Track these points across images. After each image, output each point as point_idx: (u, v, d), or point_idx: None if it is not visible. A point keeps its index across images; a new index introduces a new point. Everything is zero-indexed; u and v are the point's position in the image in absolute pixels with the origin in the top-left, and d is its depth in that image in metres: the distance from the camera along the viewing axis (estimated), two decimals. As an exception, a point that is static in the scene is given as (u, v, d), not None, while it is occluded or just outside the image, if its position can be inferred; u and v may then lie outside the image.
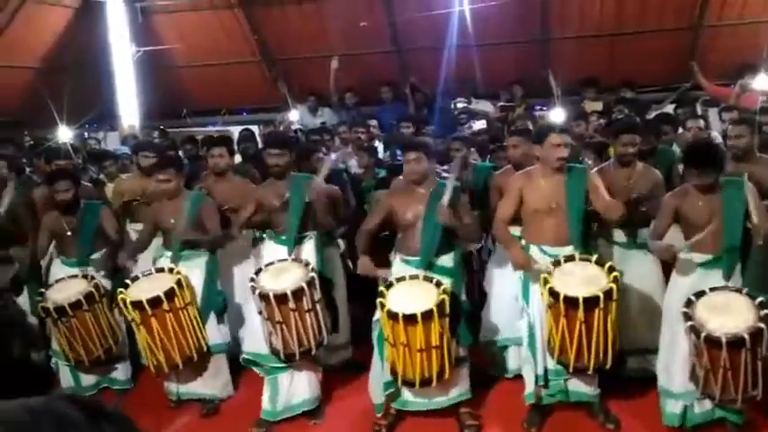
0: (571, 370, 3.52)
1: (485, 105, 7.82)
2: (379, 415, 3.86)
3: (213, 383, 4.25)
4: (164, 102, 9.11)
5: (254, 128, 7.05)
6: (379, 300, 3.55)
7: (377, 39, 8.19)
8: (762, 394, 3.16)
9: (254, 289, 3.72)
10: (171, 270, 4.01)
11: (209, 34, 8.59)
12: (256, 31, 8.53)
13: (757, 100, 5.75)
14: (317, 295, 3.78)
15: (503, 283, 4.22)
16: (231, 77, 8.91)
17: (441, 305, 3.44)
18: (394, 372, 3.61)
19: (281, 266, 3.86)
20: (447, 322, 3.49)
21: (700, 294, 3.28)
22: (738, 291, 3.27)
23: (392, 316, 3.45)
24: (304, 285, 3.66)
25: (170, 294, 3.83)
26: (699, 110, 6.59)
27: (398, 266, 3.85)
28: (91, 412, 0.84)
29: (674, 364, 3.51)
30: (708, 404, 3.44)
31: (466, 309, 3.84)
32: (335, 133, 6.18)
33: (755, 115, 4.55)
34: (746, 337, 3.01)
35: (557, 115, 6.39)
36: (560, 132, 3.68)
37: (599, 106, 6.96)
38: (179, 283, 3.89)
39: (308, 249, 4.06)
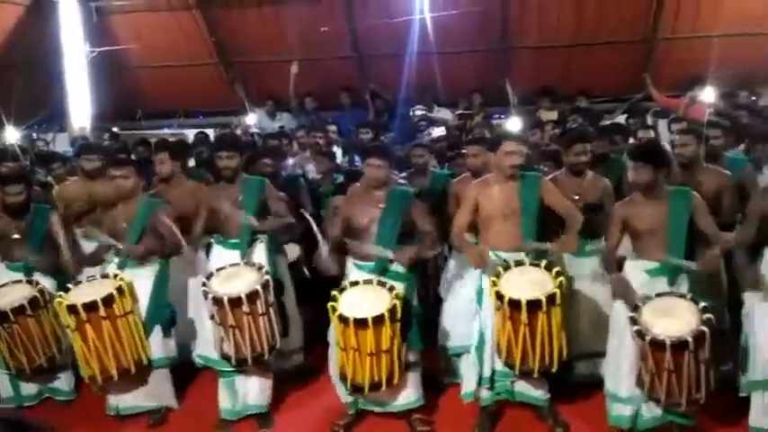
0: (517, 372, 3.57)
1: (444, 113, 7.88)
2: (350, 412, 3.89)
3: (154, 396, 4.11)
4: (118, 103, 8.94)
5: (211, 131, 6.94)
6: (330, 304, 3.54)
7: (337, 44, 8.20)
8: (705, 398, 3.24)
9: (206, 293, 3.65)
10: (115, 276, 3.89)
11: (165, 35, 8.47)
12: (214, 32, 8.45)
13: (705, 112, 5.92)
14: (272, 299, 3.75)
15: (458, 289, 4.24)
16: (188, 79, 8.79)
17: (392, 310, 3.45)
18: (343, 376, 3.61)
19: (232, 271, 3.81)
20: (398, 327, 3.50)
21: (646, 299, 3.36)
22: (683, 296, 3.36)
23: (343, 320, 3.45)
24: (259, 288, 3.62)
25: (108, 300, 3.69)
26: (649, 120, 6.76)
27: (352, 271, 3.85)
28: (14, 427, 0.79)
29: (621, 369, 3.56)
30: (657, 409, 3.49)
31: (418, 314, 3.85)
32: (294, 138, 6.14)
33: (703, 127, 4.68)
34: (690, 340, 3.09)
35: (513, 124, 6.47)
36: (513, 140, 3.73)
37: (554, 115, 7.09)
38: (120, 289, 3.76)
39: (260, 253, 4.02)
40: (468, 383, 3.80)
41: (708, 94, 6.05)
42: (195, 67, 8.81)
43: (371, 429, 3.92)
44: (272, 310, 3.74)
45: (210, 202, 4.13)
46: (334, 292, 3.60)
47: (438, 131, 6.50)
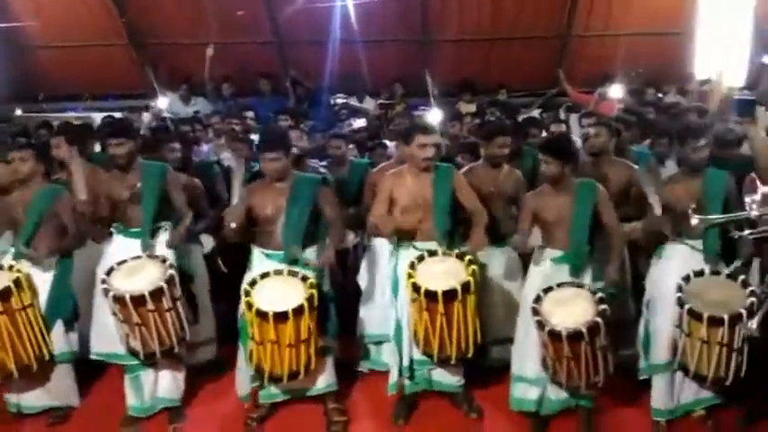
0: (435, 360, 3.62)
1: (368, 103, 7.85)
2: (247, 405, 3.84)
3: (56, 394, 3.91)
4: (17, 84, 8.35)
5: (119, 115, 6.60)
6: (245, 299, 3.45)
7: (256, 29, 8.00)
8: (604, 381, 3.40)
9: (106, 291, 3.47)
10: (11, 268, 3.64)
11: (70, 13, 7.98)
12: (124, 12, 8.03)
13: (614, 108, 6.17)
14: (178, 292, 3.60)
15: (376, 279, 4.24)
16: (95, 60, 8.33)
17: (310, 299, 3.43)
18: (260, 370, 3.55)
19: (135, 264, 3.63)
20: (315, 315, 3.49)
21: (547, 290, 3.49)
22: (581, 286, 3.51)
23: (261, 315, 3.38)
24: (163, 285, 3.47)
25: (5, 294, 3.48)
26: (562, 115, 6.98)
27: (259, 261, 3.77)
28: None
29: (528, 352, 3.68)
30: (562, 393, 3.63)
31: (331, 299, 3.85)
32: (208, 124, 5.92)
33: (613, 121, 4.86)
34: (584, 330, 3.22)
35: (433, 116, 6.51)
36: (427, 133, 3.74)
37: (473, 108, 7.20)
38: (17, 282, 3.54)
39: (163, 242, 3.83)
40: (392, 375, 3.81)
41: (616, 91, 6.30)
42: (103, 48, 8.35)
43: (286, 421, 3.87)
44: (179, 304, 3.60)
45: (108, 190, 3.89)
46: (246, 287, 3.51)
47: (359, 123, 6.46)
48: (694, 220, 2.36)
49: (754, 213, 2.00)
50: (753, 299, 3.18)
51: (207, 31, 7.72)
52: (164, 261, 3.63)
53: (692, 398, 3.70)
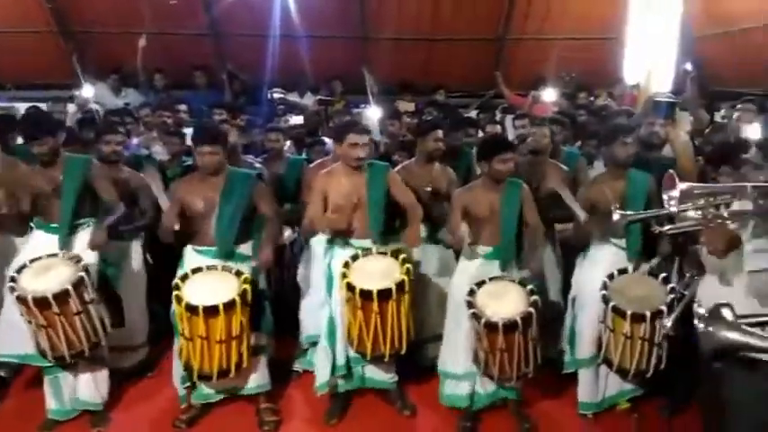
0: (368, 358, 3.62)
1: (308, 99, 7.77)
2: (182, 407, 3.74)
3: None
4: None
5: (44, 106, 6.28)
6: (174, 293, 3.36)
7: (192, 20, 7.76)
8: (533, 372, 3.50)
9: (12, 289, 3.30)
10: None
11: (-7, -3, 7.54)
12: (51, -2, 7.65)
13: (548, 110, 6.32)
14: (90, 295, 3.43)
15: (315, 277, 4.19)
16: (20, 48, 7.87)
17: (243, 295, 3.38)
18: (189, 367, 3.47)
19: (47, 263, 3.45)
20: (248, 312, 3.44)
21: (480, 284, 3.56)
22: (512, 280, 3.60)
23: (191, 309, 3.30)
24: (69, 288, 3.29)
25: None
26: (497, 116, 7.09)
27: (191, 257, 3.68)
28: None
29: (458, 347, 3.73)
30: (491, 386, 3.71)
31: (266, 296, 3.80)
32: (139, 116, 5.72)
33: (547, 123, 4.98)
34: (519, 321, 3.32)
35: (373, 113, 6.51)
36: (359, 132, 3.72)
37: (411, 107, 7.22)
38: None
39: (84, 239, 3.68)
40: (321, 374, 3.78)
41: (549, 94, 6.45)
42: (29, 35, 7.92)
43: (216, 423, 3.78)
44: (90, 307, 3.43)
45: (29, 184, 3.70)
46: (177, 281, 3.43)
47: (296, 119, 6.34)
48: (615, 215, 2.44)
49: (672, 209, 2.07)
50: (672, 296, 3.32)
51: (139, 20, 7.45)
52: (78, 261, 3.45)
53: (617, 390, 3.83)
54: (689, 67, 5.86)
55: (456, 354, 3.74)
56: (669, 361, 3.47)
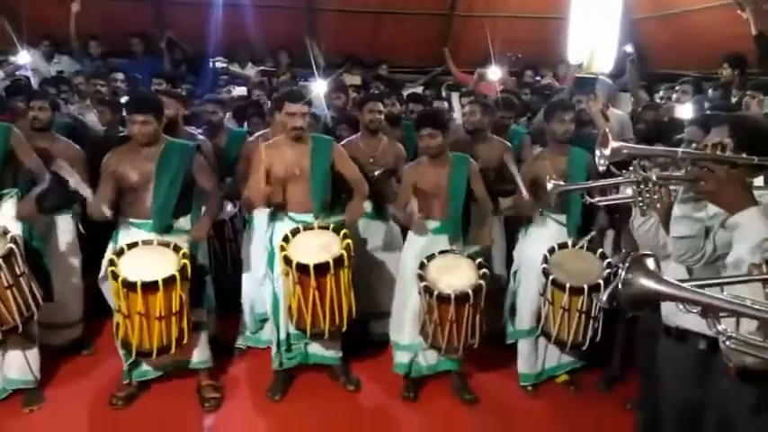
0: (308, 335, 3.59)
1: (250, 70, 7.58)
2: (123, 383, 3.65)
3: None
4: None
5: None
6: (110, 269, 3.24)
7: (129, -16, 7.43)
8: (479, 343, 3.57)
9: None
10: None
11: None
12: (-25, -43, 7.15)
13: (493, 88, 6.34)
14: (20, 268, 3.27)
15: (258, 253, 4.11)
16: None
17: (183, 270, 3.29)
18: (127, 344, 3.37)
19: None
20: (188, 287, 3.36)
21: (430, 257, 3.60)
22: (461, 253, 3.66)
23: (128, 285, 3.19)
24: (0, 261, 3.14)
25: None
26: (443, 93, 7.09)
27: (127, 231, 3.56)
28: None
29: (404, 318, 3.78)
30: (432, 358, 3.78)
31: (206, 271, 3.73)
32: (72, 85, 5.46)
33: (490, 100, 5.00)
34: (470, 292, 3.38)
35: (318, 87, 6.40)
36: (295, 101, 3.64)
37: (358, 80, 7.14)
38: None
39: (8, 211, 3.51)
40: (273, 350, 3.76)
41: (494, 73, 6.47)
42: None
43: (156, 401, 3.70)
44: (22, 281, 3.28)
45: None
46: (112, 256, 3.30)
47: (239, 90, 6.18)
48: (549, 185, 2.49)
49: (602, 168, 2.11)
50: (609, 270, 3.43)
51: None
52: (4, 233, 3.27)
53: (555, 363, 3.95)
54: (629, 48, 5.99)
55: (402, 324, 3.80)
56: (606, 334, 3.59)
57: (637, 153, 2.17)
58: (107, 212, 3.38)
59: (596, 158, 2.12)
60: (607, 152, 2.04)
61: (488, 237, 3.86)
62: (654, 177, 2.11)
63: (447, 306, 3.39)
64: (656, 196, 2.19)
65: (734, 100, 4.78)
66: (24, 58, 6.19)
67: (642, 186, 2.16)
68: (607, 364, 3.99)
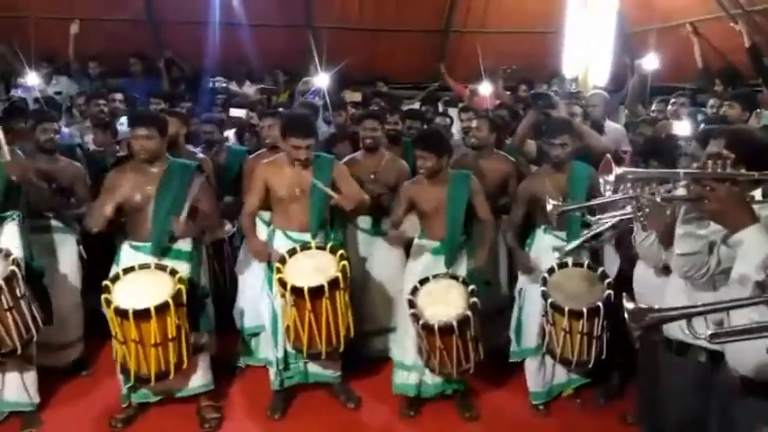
0: (305, 355, 3.57)
1: (248, 88, 7.62)
2: (123, 406, 3.62)
3: None
4: None
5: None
6: (104, 296, 3.22)
7: (127, 5, 7.47)
8: (474, 367, 3.53)
9: None
10: None
11: None
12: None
13: (487, 102, 6.37)
14: (21, 290, 3.26)
15: (253, 270, 4.11)
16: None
17: (177, 296, 3.25)
18: (125, 369, 3.35)
19: None
20: (184, 312, 3.31)
21: (424, 281, 3.56)
22: (456, 278, 3.60)
23: (120, 313, 3.17)
24: (1, 283, 3.12)
25: None
26: (440, 108, 7.12)
27: (127, 253, 3.55)
28: None
29: (407, 340, 3.74)
30: (438, 378, 3.73)
31: (206, 293, 3.70)
32: (73, 105, 5.48)
33: (491, 116, 5.02)
34: (455, 324, 3.32)
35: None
36: (300, 137, 3.56)
37: (358, 97, 7.17)
38: None
39: (10, 233, 3.48)
40: (272, 370, 3.75)
41: (485, 87, 6.50)
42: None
43: (155, 422, 3.67)
44: (22, 303, 3.27)
45: None
46: (107, 282, 3.28)
47: (237, 112, 6.17)
48: (548, 206, 2.49)
49: (608, 195, 2.12)
50: (609, 291, 3.39)
51: (72, 5, 7.12)
52: (7, 256, 3.26)
53: (565, 379, 3.92)
54: (637, 60, 6.03)
55: (405, 345, 3.76)
56: (606, 348, 3.57)
57: (640, 177, 2.17)
58: (106, 217, 3.35)
59: (601, 185, 2.13)
60: (611, 178, 2.05)
61: (483, 257, 3.77)
62: (658, 199, 2.11)
63: (432, 336, 3.36)
64: (657, 216, 2.19)
65: (714, 110, 4.83)
66: (33, 79, 6.23)
67: (642, 202, 2.17)
68: (607, 377, 3.97)
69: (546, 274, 3.52)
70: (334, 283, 3.35)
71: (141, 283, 3.30)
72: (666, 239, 2.31)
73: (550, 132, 3.80)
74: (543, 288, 3.47)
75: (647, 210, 2.15)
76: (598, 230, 2.68)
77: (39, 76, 6.70)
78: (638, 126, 4.98)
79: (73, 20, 6.89)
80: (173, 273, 3.34)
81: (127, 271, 3.34)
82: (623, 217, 2.40)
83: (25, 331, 3.30)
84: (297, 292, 3.32)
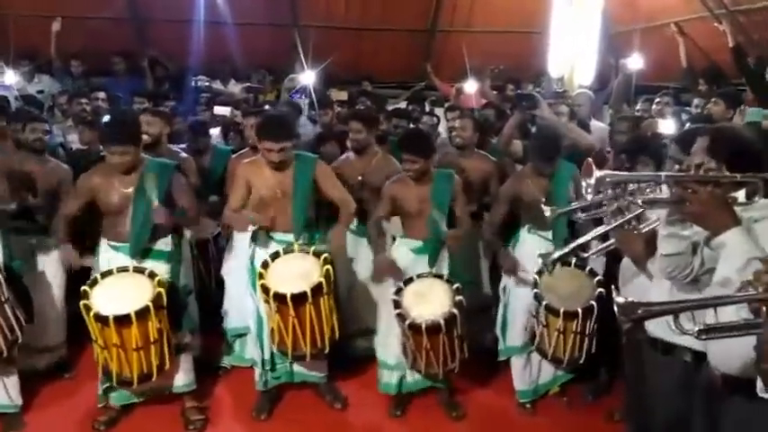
0: (290, 358, 3.55)
1: (233, 87, 7.56)
2: (99, 407, 3.57)
3: None
4: None
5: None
6: (82, 302, 3.18)
7: (110, 3, 7.38)
8: (459, 367, 3.55)
9: None
10: None
11: None
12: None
13: (472, 101, 6.38)
14: (4, 295, 3.22)
15: (239, 272, 4.07)
16: None
17: (157, 299, 3.21)
18: (107, 372, 3.32)
19: None
20: (165, 314, 3.28)
21: (408, 281, 3.55)
22: (440, 277, 3.59)
23: (100, 319, 3.12)
24: None
25: None
26: (427, 108, 7.11)
27: (106, 254, 3.51)
28: None
29: (390, 339, 3.74)
30: (420, 375, 3.73)
31: (188, 293, 3.68)
32: (55, 104, 5.42)
33: (476, 115, 5.02)
34: (442, 322, 3.32)
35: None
36: (272, 140, 3.49)
37: (344, 96, 7.15)
38: None
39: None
40: (257, 371, 3.73)
41: (471, 86, 6.50)
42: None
43: (137, 423, 3.64)
44: (6, 307, 3.23)
45: None
46: (85, 288, 3.23)
47: (222, 110, 6.13)
48: (547, 212, 2.49)
49: (589, 197, 2.13)
50: (601, 290, 3.40)
51: (54, 2, 7.03)
52: None
53: (551, 376, 3.92)
54: (621, 60, 6.06)
55: (388, 345, 3.75)
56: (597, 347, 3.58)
57: (621, 180, 2.17)
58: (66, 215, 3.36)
59: (582, 188, 2.14)
60: (592, 181, 2.06)
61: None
62: (639, 202, 2.11)
63: (419, 335, 3.35)
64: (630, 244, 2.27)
65: (698, 109, 4.85)
66: (10, 78, 6.14)
67: (623, 203, 2.18)
68: (594, 374, 3.99)
69: (536, 276, 3.51)
70: (317, 289, 3.31)
71: (120, 288, 3.25)
72: (642, 263, 2.33)
73: (538, 147, 3.80)
74: (536, 291, 3.47)
75: (620, 240, 2.24)
76: (585, 240, 2.67)
77: (18, 74, 6.62)
78: (616, 124, 4.96)
79: (55, 17, 6.79)
80: (152, 276, 3.30)
81: (105, 275, 3.30)
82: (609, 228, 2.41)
83: (10, 334, 3.27)
84: (280, 298, 3.28)
